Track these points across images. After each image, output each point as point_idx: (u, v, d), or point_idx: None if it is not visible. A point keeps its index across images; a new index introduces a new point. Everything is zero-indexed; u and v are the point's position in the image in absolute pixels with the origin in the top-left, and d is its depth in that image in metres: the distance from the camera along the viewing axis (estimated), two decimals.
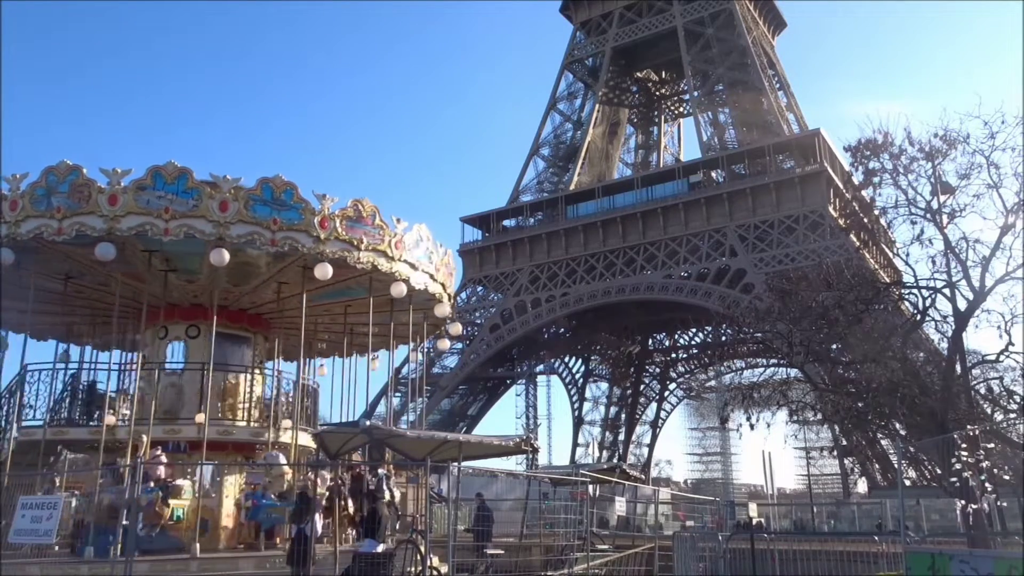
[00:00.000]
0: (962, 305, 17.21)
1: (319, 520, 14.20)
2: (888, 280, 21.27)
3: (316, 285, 15.88)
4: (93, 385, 17.81)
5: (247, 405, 17.76)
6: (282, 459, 16.27)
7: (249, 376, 18.08)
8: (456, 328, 21.69)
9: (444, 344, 25.50)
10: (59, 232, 13.97)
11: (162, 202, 13.97)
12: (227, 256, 14.29)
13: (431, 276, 17.63)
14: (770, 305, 22.24)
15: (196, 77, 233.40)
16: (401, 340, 20.68)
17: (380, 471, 16.79)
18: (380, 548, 13.50)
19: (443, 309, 19.16)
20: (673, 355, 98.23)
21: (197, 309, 17.69)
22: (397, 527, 17.29)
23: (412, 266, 16.85)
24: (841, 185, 61.05)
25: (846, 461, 64.69)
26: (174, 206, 14.00)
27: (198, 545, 14.05)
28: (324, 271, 15.09)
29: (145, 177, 14.15)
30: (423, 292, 17.55)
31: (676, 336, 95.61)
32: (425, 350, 21.95)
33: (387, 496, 16.44)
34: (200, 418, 15.86)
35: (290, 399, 17.88)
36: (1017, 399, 17.16)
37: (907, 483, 44.00)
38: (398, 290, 16.65)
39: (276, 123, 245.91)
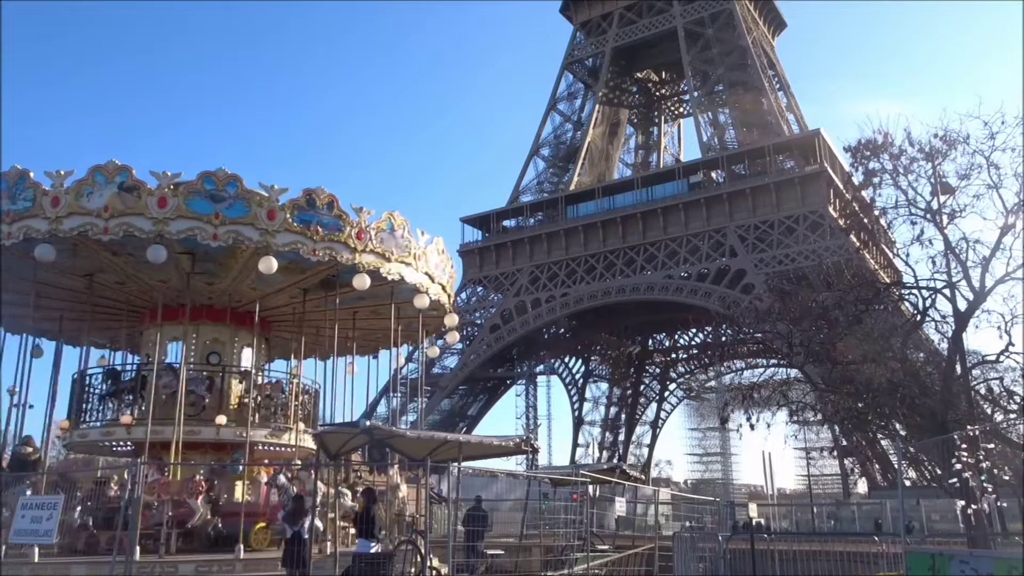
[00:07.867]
0: (962, 305, 17.18)
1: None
2: (888, 280, 21.24)
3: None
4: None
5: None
6: None
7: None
8: (453, 337, 21.87)
9: (434, 351, 25.64)
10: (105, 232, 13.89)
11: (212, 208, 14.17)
12: (275, 264, 14.52)
13: (443, 287, 18.18)
14: (770, 305, 22.19)
15: (196, 77, 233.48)
16: (405, 342, 21.01)
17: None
18: (374, 548, 13.49)
19: (452, 319, 19.80)
20: (673, 355, 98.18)
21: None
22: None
23: (430, 277, 17.33)
24: (841, 185, 60.96)
25: (846, 461, 64.68)
26: (223, 212, 14.21)
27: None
28: (363, 281, 15.57)
29: (196, 181, 14.28)
30: (435, 302, 18.01)
31: (676, 336, 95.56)
32: (425, 351, 22.02)
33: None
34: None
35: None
36: (1017, 399, 17.12)
37: (907, 483, 43.98)
38: (421, 302, 17.00)
39: (276, 123, 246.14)
